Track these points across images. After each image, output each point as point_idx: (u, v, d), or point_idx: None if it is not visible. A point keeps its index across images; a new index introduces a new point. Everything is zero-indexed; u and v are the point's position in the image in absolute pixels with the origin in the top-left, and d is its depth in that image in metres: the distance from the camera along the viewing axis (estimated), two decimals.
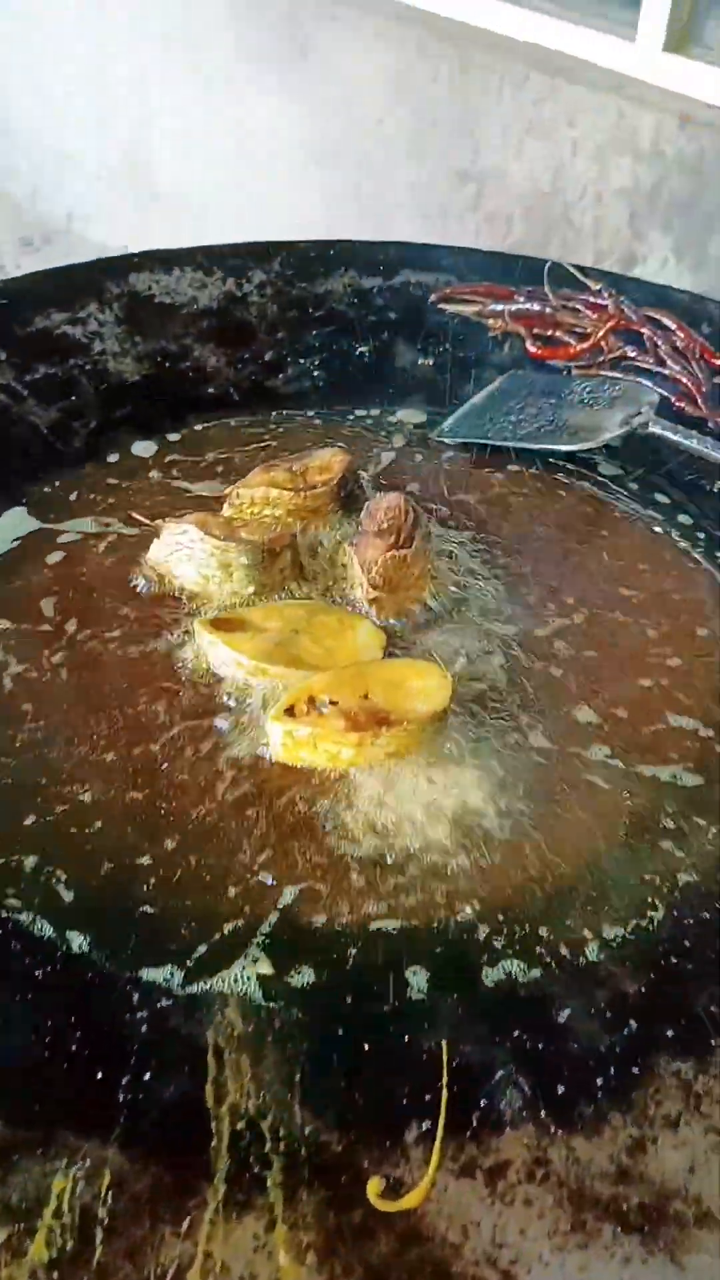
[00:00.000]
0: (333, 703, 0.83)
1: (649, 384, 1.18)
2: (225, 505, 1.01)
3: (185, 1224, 0.57)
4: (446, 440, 1.13)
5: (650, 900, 0.75)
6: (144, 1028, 0.66)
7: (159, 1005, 0.67)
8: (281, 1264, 0.55)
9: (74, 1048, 0.65)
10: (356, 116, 3.01)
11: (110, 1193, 0.58)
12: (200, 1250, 0.56)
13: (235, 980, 0.69)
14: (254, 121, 3.28)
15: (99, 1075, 0.64)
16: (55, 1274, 0.54)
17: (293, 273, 1.31)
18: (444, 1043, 0.66)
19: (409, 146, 2.93)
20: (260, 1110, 0.62)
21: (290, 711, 0.82)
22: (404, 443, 1.14)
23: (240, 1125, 0.62)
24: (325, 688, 0.84)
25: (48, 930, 0.71)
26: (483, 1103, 0.63)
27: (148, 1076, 0.64)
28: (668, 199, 2.44)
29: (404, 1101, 0.63)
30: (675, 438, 1.07)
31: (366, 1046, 0.66)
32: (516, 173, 2.72)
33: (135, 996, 0.68)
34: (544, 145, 2.62)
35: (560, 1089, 0.64)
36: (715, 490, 1.09)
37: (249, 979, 0.69)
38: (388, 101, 2.92)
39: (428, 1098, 0.63)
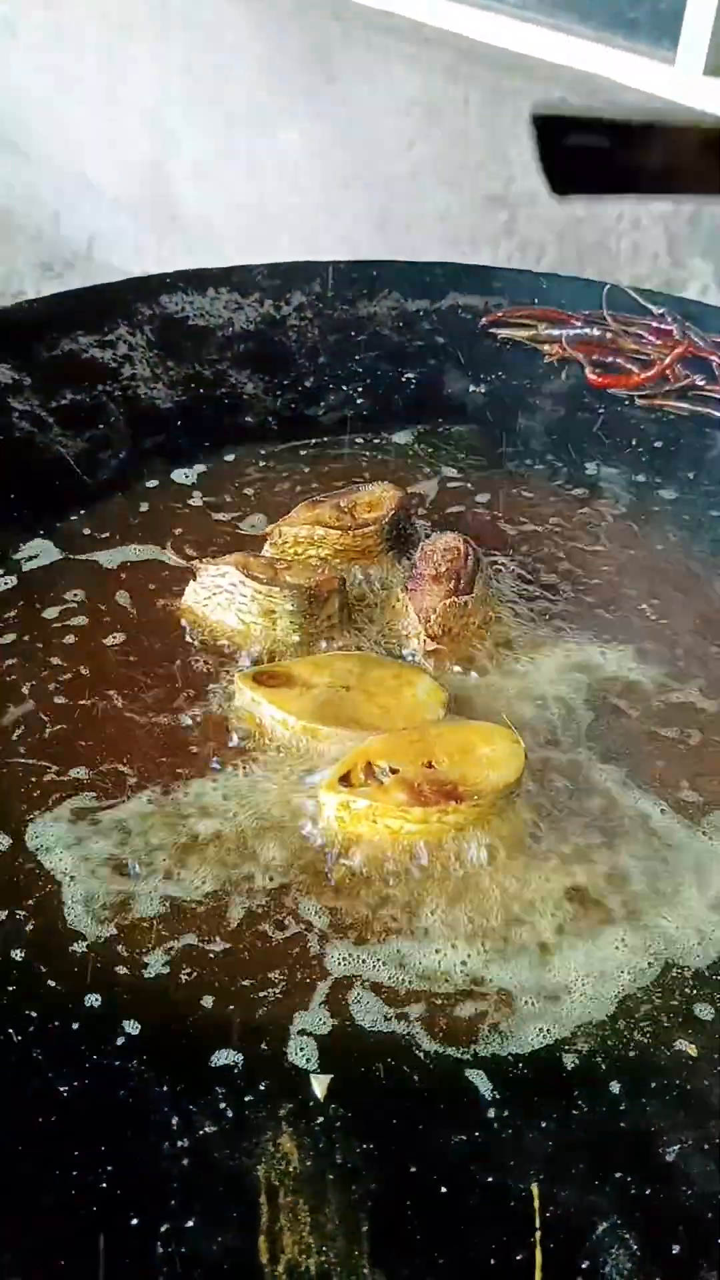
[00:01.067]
0: (393, 770, 0.73)
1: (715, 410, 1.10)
2: (267, 544, 0.93)
3: None
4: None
5: None
6: (185, 1160, 0.57)
7: (202, 1131, 0.58)
8: None
9: (104, 1184, 0.55)
10: (384, 143, 2.95)
11: None
12: None
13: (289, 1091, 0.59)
14: (279, 149, 3.23)
15: (133, 1221, 0.54)
16: None
17: (334, 294, 1.23)
18: (534, 1187, 0.56)
19: (439, 173, 2.87)
20: (323, 1271, 0.53)
21: (345, 780, 0.73)
22: (456, 476, 1.05)
23: None
24: (384, 754, 0.74)
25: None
26: (584, 1265, 0.53)
27: (190, 1224, 0.54)
28: (708, 225, 2.36)
29: (490, 1261, 0.53)
30: None
31: (444, 1189, 0.56)
32: (550, 198, 2.65)
33: (175, 1120, 0.58)
34: None
35: (675, 1249, 0.54)
36: None
37: (304, 1097, 0.59)
38: (417, 127, 2.86)
39: (519, 1256, 0.53)
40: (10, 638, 0.85)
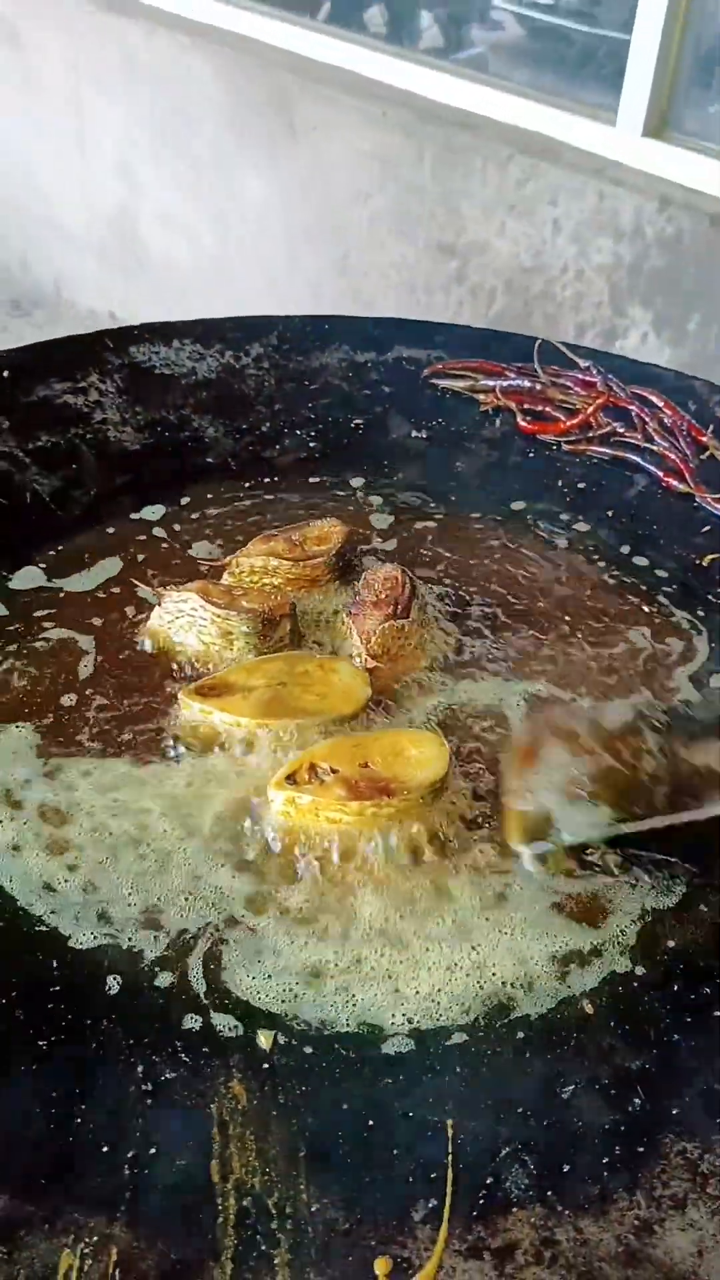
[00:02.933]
0: (333, 770, 0.83)
1: (638, 460, 1.21)
2: (225, 573, 1.03)
3: None
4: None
5: (652, 973, 0.75)
6: (149, 1100, 0.66)
7: (163, 1078, 0.67)
8: None
9: (79, 1121, 0.64)
10: (343, 194, 3.08)
11: (117, 1270, 0.57)
12: None
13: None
14: (242, 197, 3.35)
15: (104, 1150, 0.63)
16: None
17: (289, 346, 1.34)
18: (449, 1120, 0.66)
19: (394, 223, 3.00)
20: (266, 1187, 0.62)
21: (291, 779, 0.83)
22: (399, 512, 1.16)
23: (246, 1202, 0.61)
24: (326, 756, 0.84)
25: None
26: (489, 1181, 0.63)
27: (153, 1151, 0.63)
28: (648, 277, 2.50)
29: (410, 1179, 0.63)
30: None
31: (371, 1123, 0.66)
32: (499, 249, 2.79)
33: (140, 1069, 0.67)
34: (526, 223, 2.69)
35: (566, 1168, 0.64)
36: (697, 560, 1.12)
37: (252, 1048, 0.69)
38: (374, 180, 2.99)
39: (433, 1176, 0.63)
40: None
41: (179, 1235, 0.60)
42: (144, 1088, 0.66)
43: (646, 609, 1.06)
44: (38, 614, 1.00)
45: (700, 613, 1.06)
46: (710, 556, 1.11)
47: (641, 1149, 0.65)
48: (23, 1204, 0.60)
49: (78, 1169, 0.62)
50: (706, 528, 1.14)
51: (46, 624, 0.99)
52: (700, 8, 2.45)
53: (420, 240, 2.97)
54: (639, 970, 0.75)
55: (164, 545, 1.09)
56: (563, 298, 2.68)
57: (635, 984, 0.74)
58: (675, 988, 0.74)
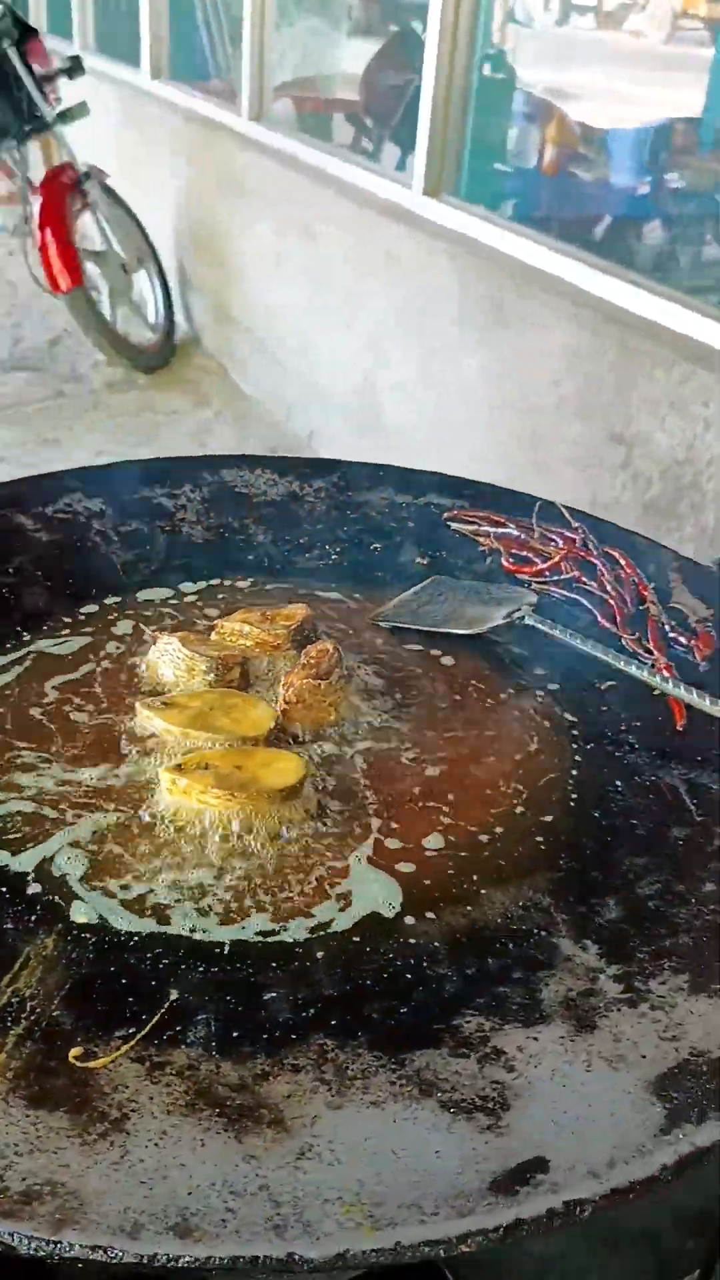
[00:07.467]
0: (209, 766, 1.14)
1: (586, 603, 1.46)
2: (214, 632, 1.36)
3: None
4: (383, 624, 1.44)
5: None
6: None
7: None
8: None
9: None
10: (538, 378, 3.47)
11: None
12: None
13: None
14: (462, 375, 3.81)
15: None
16: None
17: (345, 484, 1.69)
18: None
19: (576, 407, 3.35)
20: (34, 1011, 0.91)
21: (180, 768, 1.14)
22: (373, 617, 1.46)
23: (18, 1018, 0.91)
24: (212, 758, 1.15)
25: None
26: (167, 1034, 0.89)
27: None
28: None
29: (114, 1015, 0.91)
30: (544, 628, 1.34)
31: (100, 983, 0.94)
32: (659, 440, 3.07)
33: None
34: (682, 420, 2.96)
35: (233, 1034, 0.89)
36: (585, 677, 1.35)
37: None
38: (564, 369, 3.37)
39: (128, 1014, 0.90)
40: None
41: None
42: None
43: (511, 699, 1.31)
44: (74, 647, 1.37)
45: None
46: (609, 683, 1.34)
47: (295, 1037, 0.89)
48: None
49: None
50: None
51: (82, 651, 1.36)
52: None
53: (596, 424, 3.29)
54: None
55: (190, 609, 1.44)
56: (707, 489, 2.91)
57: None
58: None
